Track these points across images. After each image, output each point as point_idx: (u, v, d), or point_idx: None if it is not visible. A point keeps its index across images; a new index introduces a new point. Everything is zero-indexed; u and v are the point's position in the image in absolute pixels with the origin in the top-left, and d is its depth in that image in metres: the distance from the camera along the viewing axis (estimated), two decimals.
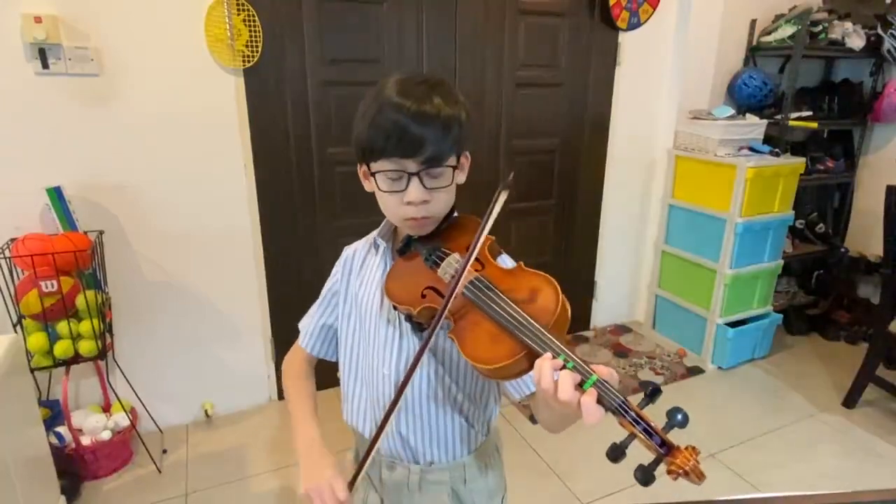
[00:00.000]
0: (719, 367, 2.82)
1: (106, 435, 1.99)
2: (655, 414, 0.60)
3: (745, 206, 2.57)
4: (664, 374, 2.77)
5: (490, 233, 0.81)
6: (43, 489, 1.67)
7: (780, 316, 2.92)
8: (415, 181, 0.78)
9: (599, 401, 0.60)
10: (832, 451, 2.23)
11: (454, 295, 0.74)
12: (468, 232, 0.85)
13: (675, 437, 0.60)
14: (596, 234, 3.10)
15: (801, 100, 3.02)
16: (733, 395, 2.63)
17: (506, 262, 0.87)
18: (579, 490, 1.99)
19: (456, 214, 0.90)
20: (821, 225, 3.18)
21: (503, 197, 0.76)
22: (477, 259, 0.78)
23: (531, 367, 0.67)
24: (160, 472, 2.06)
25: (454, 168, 0.82)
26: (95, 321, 1.84)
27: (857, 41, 2.86)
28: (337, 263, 1.00)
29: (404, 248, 0.88)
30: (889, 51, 2.90)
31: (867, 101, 3.10)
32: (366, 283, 0.94)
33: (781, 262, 2.84)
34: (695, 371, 2.80)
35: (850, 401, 2.50)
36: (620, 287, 3.26)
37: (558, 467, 2.10)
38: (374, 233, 0.96)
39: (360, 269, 0.96)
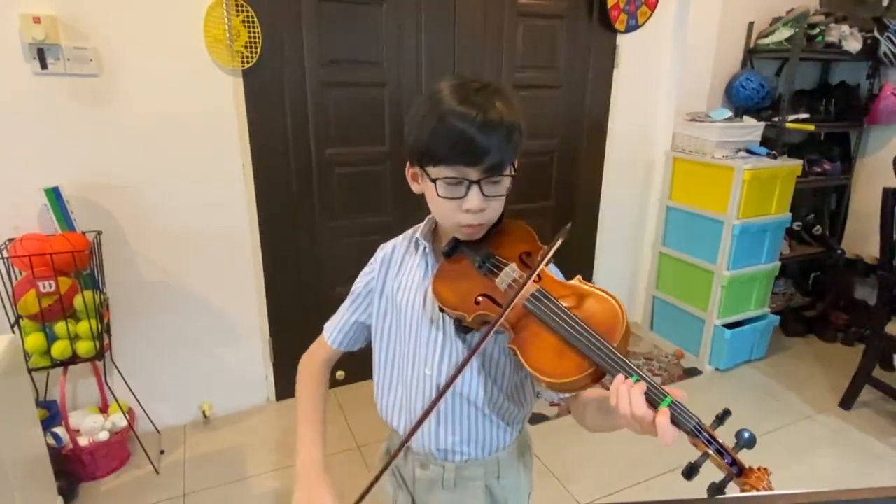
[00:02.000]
0: (716, 369, 2.82)
1: (103, 436, 1.99)
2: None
3: (743, 208, 2.58)
4: (661, 375, 2.77)
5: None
6: (40, 490, 1.67)
7: (778, 317, 2.93)
8: (475, 189, 0.78)
9: (674, 421, 0.62)
10: (829, 452, 2.24)
11: (509, 310, 0.74)
12: (517, 239, 0.87)
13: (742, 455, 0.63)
14: (594, 236, 3.11)
15: (798, 102, 3.03)
16: (730, 396, 2.63)
17: (553, 271, 0.88)
18: (577, 491, 1.99)
19: (504, 220, 0.90)
20: (818, 227, 3.19)
21: (561, 241, 0.77)
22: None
23: (594, 382, 0.70)
24: (158, 472, 2.06)
25: (512, 177, 0.82)
26: (93, 322, 1.83)
27: (853, 44, 2.88)
28: (373, 261, 0.99)
29: (451, 251, 0.88)
30: (885, 53, 2.91)
31: (864, 104, 3.11)
32: (405, 284, 0.93)
33: (779, 263, 2.85)
34: (692, 372, 2.81)
35: (846, 402, 2.51)
36: (618, 288, 3.26)
37: (556, 469, 2.10)
38: (415, 231, 0.95)
39: (399, 269, 0.95)
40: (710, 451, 0.62)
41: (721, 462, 0.62)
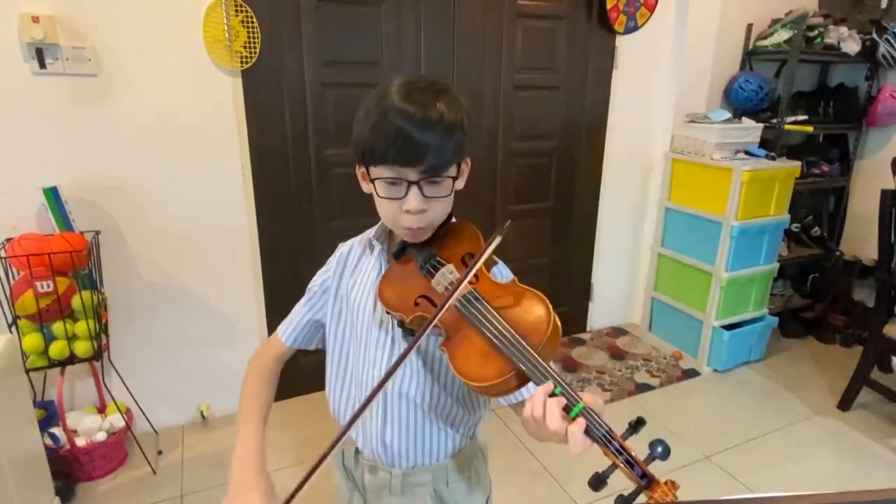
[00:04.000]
0: (715, 370, 2.83)
1: (101, 436, 1.98)
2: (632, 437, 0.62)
3: (741, 210, 2.58)
4: (660, 376, 2.77)
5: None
6: (37, 490, 1.67)
7: (776, 319, 2.93)
8: (414, 190, 0.77)
9: (585, 430, 0.61)
10: (827, 453, 2.24)
11: (443, 311, 0.73)
12: (463, 240, 0.86)
13: (655, 468, 0.60)
14: (592, 237, 3.11)
15: (796, 104, 3.04)
16: (729, 397, 2.63)
17: (501, 271, 0.87)
18: (574, 491, 1.99)
19: (453, 220, 0.89)
20: (816, 228, 3.19)
21: (498, 240, 0.75)
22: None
23: (520, 385, 0.68)
24: (155, 473, 2.06)
25: (454, 178, 0.81)
26: (91, 322, 1.83)
27: (852, 46, 2.88)
28: (330, 259, 0.99)
29: (399, 252, 0.87)
30: (884, 55, 2.92)
31: (862, 106, 3.11)
32: (359, 285, 0.93)
33: (777, 265, 2.85)
34: (690, 373, 2.81)
35: (844, 403, 2.51)
36: (617, 289, 3.27)
37: (552, 468, 2.10)
38: (370, 232, 0.95)
39: (355, 270, 0.95)
40: (620, 462, 0.60)
41: (630, 474, 0.59)
